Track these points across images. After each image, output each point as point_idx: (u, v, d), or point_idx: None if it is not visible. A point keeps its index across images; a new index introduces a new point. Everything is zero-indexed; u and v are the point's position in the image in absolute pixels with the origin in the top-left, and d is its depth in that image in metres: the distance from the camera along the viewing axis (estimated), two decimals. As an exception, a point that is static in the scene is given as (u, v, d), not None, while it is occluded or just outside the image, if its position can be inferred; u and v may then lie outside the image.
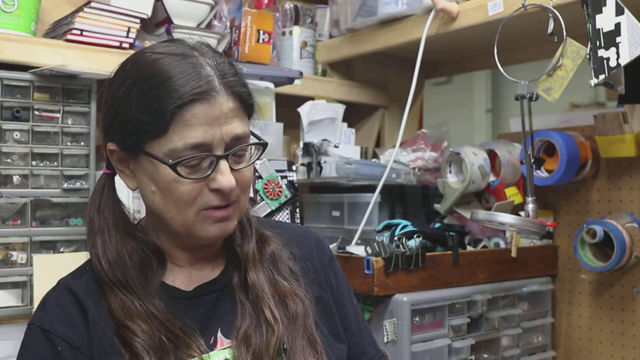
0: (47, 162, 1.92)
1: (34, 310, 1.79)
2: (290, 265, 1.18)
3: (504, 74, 1.87)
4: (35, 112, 1.90)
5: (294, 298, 1.12)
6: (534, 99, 1.84)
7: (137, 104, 1.00)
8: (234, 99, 1.03)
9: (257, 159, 1.10)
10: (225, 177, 1.01)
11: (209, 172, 1.01)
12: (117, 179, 1.16)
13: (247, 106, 1.07)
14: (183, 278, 1.13)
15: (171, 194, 1.02)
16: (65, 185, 1.93)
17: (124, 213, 1.14)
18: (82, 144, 1.97)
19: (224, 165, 1.02)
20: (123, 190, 1.17)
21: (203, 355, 1.04)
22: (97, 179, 1.17)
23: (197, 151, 1.00)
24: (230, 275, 1.14)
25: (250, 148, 1.08)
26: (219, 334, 1.09)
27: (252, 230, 1.17)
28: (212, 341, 1.08)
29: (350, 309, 1.26)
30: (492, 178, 2.13)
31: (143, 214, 1.20)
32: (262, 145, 1.10)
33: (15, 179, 1.88)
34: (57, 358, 1.02)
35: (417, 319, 1.85)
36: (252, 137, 1.09)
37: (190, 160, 1.00)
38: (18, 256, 1.89)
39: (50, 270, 1.78)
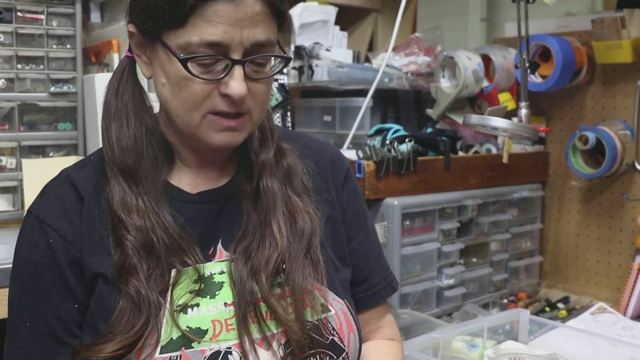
0: (33, 66, 1.89)
1: (25, 215, 1.81)
2: (304, 180, 1.12)
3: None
4: (19, 14, 1.85)
5: (304, 215, 1.07)
6: (531, 0, 1.80)
7: None
8: (263, 3, 0.95)
9: (278, 72, 1.03)
10: (236, 83, 0.94)
11: (222, 75, 0.95)
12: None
13: (277, 12, 0.98)
14: (188, 180, 1.07)
15: (180, 91, 0.96)
16: (52, 89, 1.90)
17: (144, 100, 1.07)
18: (68, 46, 1.93)
19: (238, 71, 0.95)
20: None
21: (197, 265, 0.99)
22: (118, 64, 1.09)
23: (213, 50, 0.93)
24: (239, 184, 1.08)
25: (272, 59, 1.00)
26: (219, 245, 1.04)
27: (273, 141, 1.11)
28: (210, 251, 1.03)
29: (358, 232, 1.18)
30: (485, 83, 2.10)
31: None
32: (285, 60, 1.02)
33: (1, 82, 1.84)
34: (49, 250, 1.00)
35: (407, 222, 1.86)
36: (277, 48, 1.01)
37: (204, 59, 0.94)
38: (7, 161, 1.87)
39: (40, 175, 1.76)
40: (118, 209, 0.99)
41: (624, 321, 1.89)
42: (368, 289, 1.17)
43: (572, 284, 2.30)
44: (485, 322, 1.59)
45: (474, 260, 2.13)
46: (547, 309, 2.11)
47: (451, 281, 1.99)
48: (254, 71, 0.97)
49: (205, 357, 0.94)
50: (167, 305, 0.96)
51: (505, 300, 2.19)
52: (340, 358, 1.03)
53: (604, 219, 2.22)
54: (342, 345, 1.03)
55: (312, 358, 0.99)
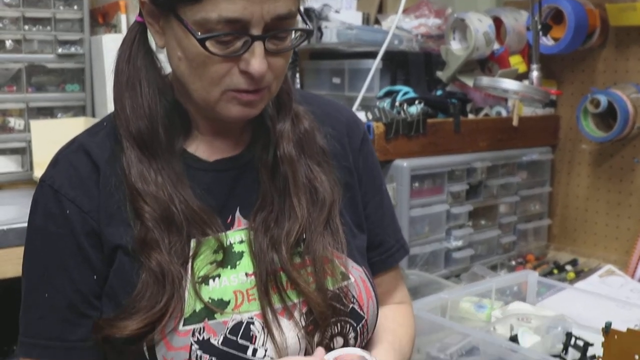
0: (40, 27, 1.88)
1: (34, 175, 1.82)
2: (321, 144, 1.08)
3: None
4: (25, -26, 1.84)
5: (324, 184, 1.04)
6: (544, -40, 1.77)
7: None
8: None
9: (299, 45, 0.97)
10: (257, 61, 0.90)
11: (241, 52, 0.90)
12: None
13: None
14: (205, 147, 1.04)
15: (198, 67, 0.93)
16: (59, 50, 1.89)
17: (157, 66, 1.03)
18: (76, 7, 1.91)
19: (258, 47, 0.90)
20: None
21: (219, 234, 0.98)
22: (128, 30, 1.05)
23: (232, 27, 0.88)
24: (255, 152, 1.05)
25: (293, 32, 0.95)
26: (237, 213, 1.02)
27: (290, 107, 1.06)
28: (229, 220, 1.01)
29: (372, 196, 1.15)
30: (496, 46, 2.08)
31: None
32: (307, 32, 0.97)
33: (8, 44, 1.84)
34: (65, 220, 0.97)
35: (416, 184, 1.86)
36: (299, 18, 0.96)
37: (223, 37, 0.89)
38: (15, 122, 1.88)
39: (49, 136, 1.78)
40: (136, 181, 0.97)
41: (632, 284, 1.90)
42: (383, 252, 1.16)
43: (581, 247, 2.30)
44: (493, 284, 1.60)
45: (483, 222, 2.13)
46: (555, 271, 2.12)
47: (459, 243, 2.00)
48: (274, 45, 0.92)
49: (228, 328, 0.94)
50: (189, 277, 0.95)
51: (514, 263, 2.20)
52: (360, 325, 1.02)
53: (614, 182, 2.21)
54: (361, 312, 1.03)
55: (333, 327, 0.99)
